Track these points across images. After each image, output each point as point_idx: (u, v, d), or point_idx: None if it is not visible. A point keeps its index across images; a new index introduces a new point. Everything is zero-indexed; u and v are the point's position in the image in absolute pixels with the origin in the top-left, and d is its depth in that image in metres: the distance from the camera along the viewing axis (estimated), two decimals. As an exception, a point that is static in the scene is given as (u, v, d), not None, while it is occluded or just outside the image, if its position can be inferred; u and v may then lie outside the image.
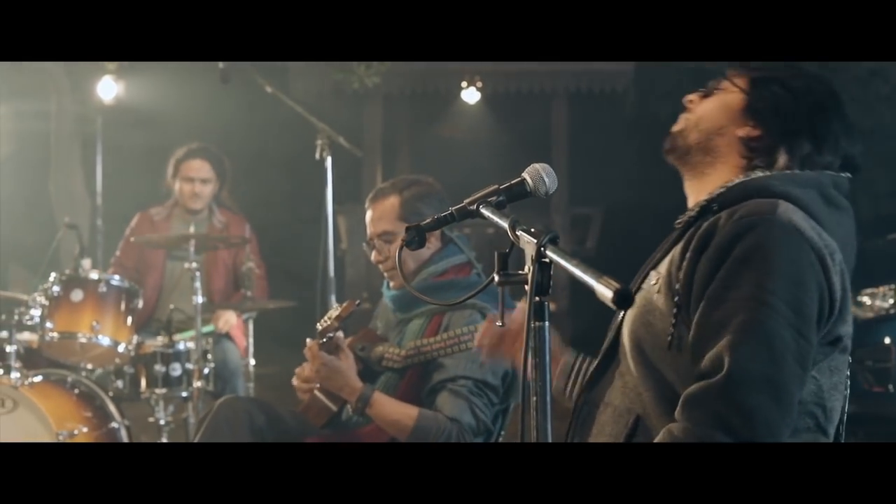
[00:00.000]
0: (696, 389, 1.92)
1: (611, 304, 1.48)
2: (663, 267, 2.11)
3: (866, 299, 5.76)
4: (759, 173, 2.11)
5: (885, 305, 5.71)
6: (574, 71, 10.39)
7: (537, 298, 1.58)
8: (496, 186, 2.10)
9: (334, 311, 3.23)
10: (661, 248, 2.19)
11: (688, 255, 2.03)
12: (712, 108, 2.23)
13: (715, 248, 1.98)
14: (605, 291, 1.46)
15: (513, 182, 2.11)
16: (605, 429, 2.16)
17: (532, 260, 1.59)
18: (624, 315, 2.19)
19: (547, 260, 1.59)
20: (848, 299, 2.04)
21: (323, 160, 4.47)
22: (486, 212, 2.02)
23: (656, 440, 1.98)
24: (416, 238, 2.17)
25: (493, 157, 10.82)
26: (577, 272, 1.55)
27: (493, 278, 1.69)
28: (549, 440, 1.62)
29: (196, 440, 3.30)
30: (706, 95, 2.27)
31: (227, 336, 5.19)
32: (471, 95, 10.96)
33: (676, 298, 2.03)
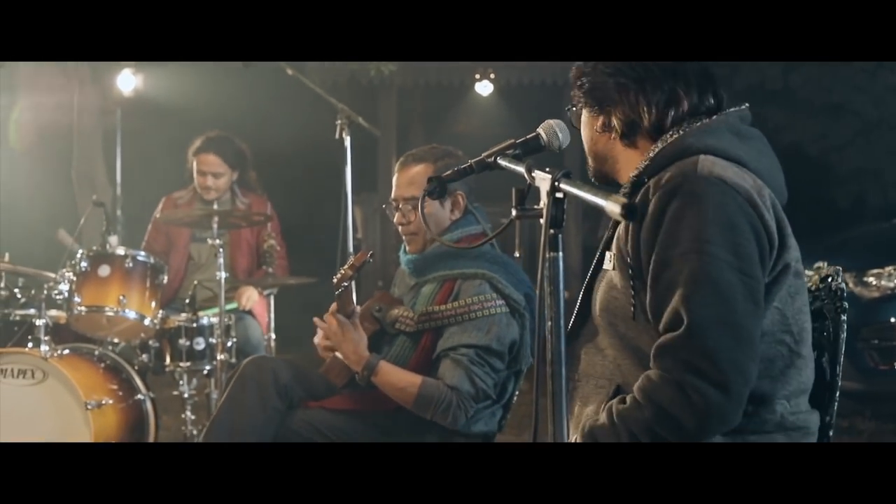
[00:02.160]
0: (664, 341, 2.06)
1: (620, 218, 1.61)
2: (614, 245, 2.25)
3: (872, 279, 5.84)
4: (672, 136, 2.23)
5: (891, 285, 5.79)
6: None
7: (552, 231, 1.71)
8: (512, 141, 2.25)
9: (348, 262, 3.36)
10: (609, 229, 2.35)
11: (630, 229, 2.17)
12: (582, 126, 2.43)
13: (650, 216, 2.11)
14: (613, 207, 1.59)
15: (528, 136, 2.27)
16: (589, 400, 2.30)
17: (547, 194, 1.72)
18: (588, 288, 2.35)
19: (561, 195, 1.72)
20: (786, 227, 2.17)
21: (342, 140, 4.59)
22: (503, 162, 2.16)
23: (635, 387, 2.11)
24: (437, 188, 2.32)
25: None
26: (589, 196, 1.68)
27: (513, 214, 1.81)
28: (563, 364, 1.73)
29: (223, 399, 3.43)
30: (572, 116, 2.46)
31: (250, 312, 5.33)
32: (484, 88, 11.09)
33: (630, 272, 2.17)
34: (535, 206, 1.77)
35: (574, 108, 2.42)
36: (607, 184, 2.40)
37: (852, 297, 5.58)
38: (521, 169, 1.94)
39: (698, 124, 2.23)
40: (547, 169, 1.79)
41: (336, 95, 4.69)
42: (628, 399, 2.12)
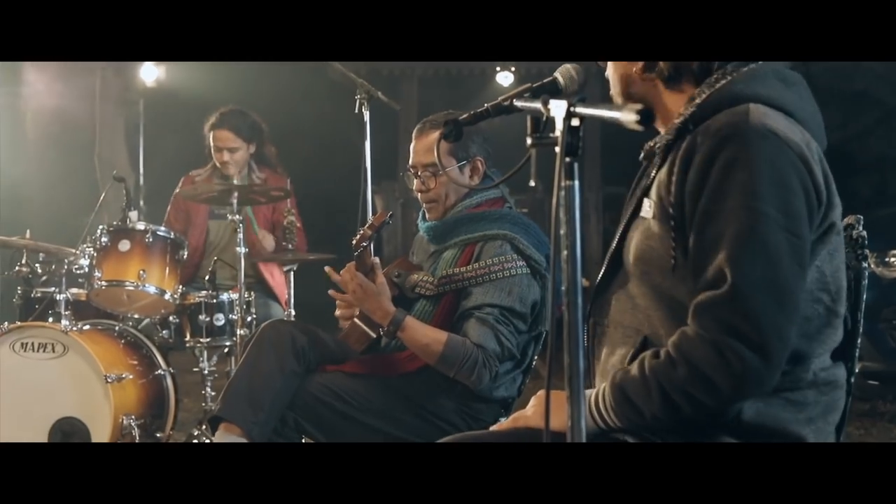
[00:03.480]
0: (704, 298, 1.99)
1: (636, 126, 1.59)
2: (654, 192, 2.17)
3: (894, 259, 5.79)
4: (718, 81, 2.16)
5: (913, 266, 5.75)
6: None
7: (568, 158, 1.69)
8: (529, 85, 2.23)
9: (368, 223, 3.35)
10: (647, 175, 2.27)
11: (673, 178, 2.09)
12: (613, 73, 2.33)
13: (697, 165, 2.04)
14: (628, 116, 1.57)
15: (545, 80, 2.24)
16: (616, 349, 2.25)
17: (563, 121, 1.70)
18: (623, 235, 2.27)
19: (576, 122, 1.70)
20: (832, 184, 2.10)
21: (361, 114, 4.60)
22: (519, 103, 2.13)
23: (669, 342, 2.06)
24: (453, 131, 2.30)
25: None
26: (603, 112, 1.67)
27: (528, 142, 1.79)
28: (580, 292, 1.71)
29: (241, 362, 3.43)
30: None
31: (270, 289, 5.34)
32: (505, 78, 11.09)
33: (672, 223, 2.09)
34: (550, 135, 1.74)
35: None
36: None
37: (874, 278, 5.52)
38: (537, 104, 1.91)
39: (745, 69, 2.16)
40: (563, 96, 1.77)
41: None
42: (662, 353, 2.07)
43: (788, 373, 2.08)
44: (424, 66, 10.38)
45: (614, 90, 2.34)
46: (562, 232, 1.71)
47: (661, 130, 2.25)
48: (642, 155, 2.32)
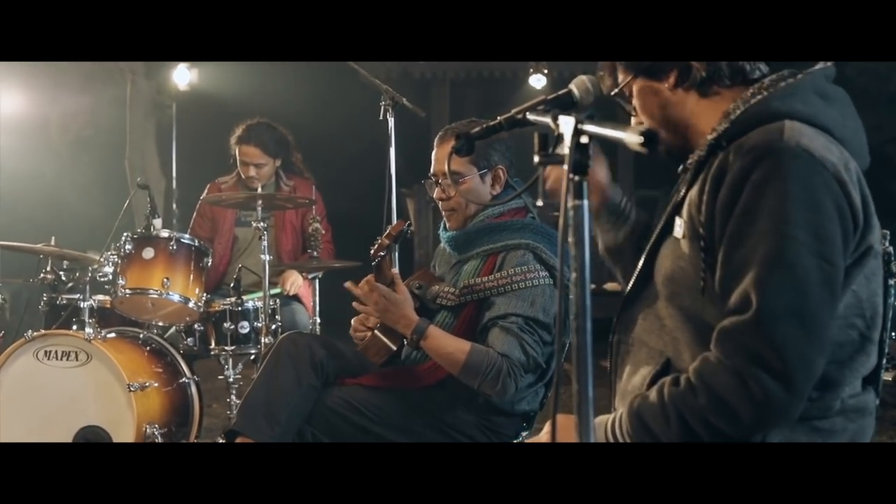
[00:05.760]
0: (729, 324, 1.93)
1: (640, 149, 1.53)
2: (685, 211, 2.11)
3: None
4: (754, 96, 2.09)
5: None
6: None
7: (576, 177, 1.63)
8: (543, 97, 2.17)
9: (385, 232, 3.31)
10: (678, 192, 2.19)
11: (704, 196, 2.02)
12: (644, 98, 2.26)
13: (729, 185, 1.97)
14: (633, 137, 1.51)
15: (560, 92, 2.18)
16: (639, 368, 2.19)
17: (571, 138, 1.64)
18: (652, 253, 2.21)
19: (585, 140, 1.64)
20: (870, 205, 2.02)
21: (386, 121, 4.57)
22: (531, 116, 2.08)
23: (690, 368, 2.00)
24: (464, 145, 2.25)
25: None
26: (610, 132, 1.60)
27: (535, 160, 1.74)
28: (588, 317, 1.65)
29: (258, 374, 3.39)
30: (622, 95, 2.30)
31: (295, 297, 5.30)
32: (538, 81, 11.04)
33: (703, 243, 2.03)
34: (558, 152, 1.69)
35: (624, 93, 2.28)
36: (682, 155, 2.22)
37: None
38: (547, 119, 1.85)
39: (783, 84, 2.08)
40: (572, 112, 1.71)
41: (387, 86, 4.66)
42: (682, 380, 2.00)
43: (817, 400, 2.02)
44: (456, 68, 10.33)
45: (652, 122, 2.26)
46: (571, 253, 1.65)
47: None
48: (680, 168, 2.25)
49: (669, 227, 2.17)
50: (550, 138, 1.75)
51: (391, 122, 4.56)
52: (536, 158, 1.72)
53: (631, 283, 2.26)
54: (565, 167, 1.65)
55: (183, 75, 9.88)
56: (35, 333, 4.49)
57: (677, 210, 2.16)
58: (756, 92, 2.09)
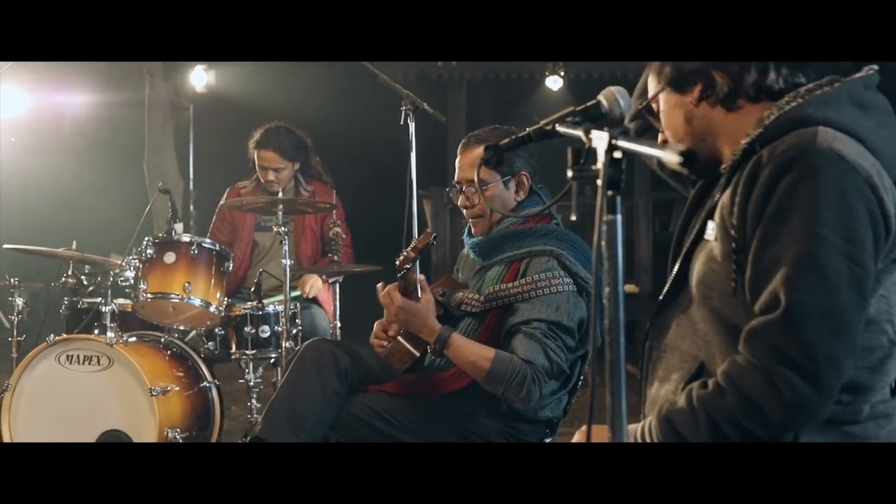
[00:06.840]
0: (757, 324, 1.94)
1: (678, 168, 1.52)
2: (716, 214, 2.11)
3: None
4: (789, 104, 2.08)
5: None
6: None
7: (610, 192, 1.63)
8: (572, 108, 2.17)
9: (411, 244, 3.31)
10: (711, 196, 2.19)
11: (737, 199, 2.03)
12: (669, 111, 2.26)
13: (761, 187, 1.97)
14: (671, 157, 1.51)
15: (588, 104, 2.18)
16: (672, 374, 2.20)
17: (605, 153, 1.64)
18: (687, 258, 2.21)
19: (619, 155, 1.64)
20: None
21: (407, 126, 4.56)
22: (561, 129, 2.08)
23: (719, 370, 2.00)
24: (493, 157, 2.25)
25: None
26: (646, 150, 1.60)
27: (568, 175, 1.73)
28: (622, 331, 1.66)
29: (282, 382, 3.40)
30: (649, 110, 2.31)
31: (315, 301, 5.31)
32: (554, 82, 11.04)
33: (734, 245, 2.03)
34: (592, 167, 1.68)
35: (650, 105, 2.29)
36: (710, 170, 2.23)
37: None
38: (579, 132, 1.85)
39: (819, 92, 2.08)
40: (605, 128, 1.71)
41: (406, 89, 4.65)
42: (710, 383, 2.01)
43: (848, 405, 2.02)
44: (473, 70, 10.32)
45: (675, 137, 2.26)
46: (605, 268, 1.66)
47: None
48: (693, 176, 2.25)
49: (702, 231, 2.18)
50: (583, 152, 1.75)
51: (412, 126, 4.56)
52: (570, 173, 1.72)
53: (665, 288, 2.27)
54: (599, 182, 1.65)
55: (200, 77, 9.90)
56: (57, 338, 4.52)
57: (710, 214, 2.16)
58: (791, 99, 2.09)
